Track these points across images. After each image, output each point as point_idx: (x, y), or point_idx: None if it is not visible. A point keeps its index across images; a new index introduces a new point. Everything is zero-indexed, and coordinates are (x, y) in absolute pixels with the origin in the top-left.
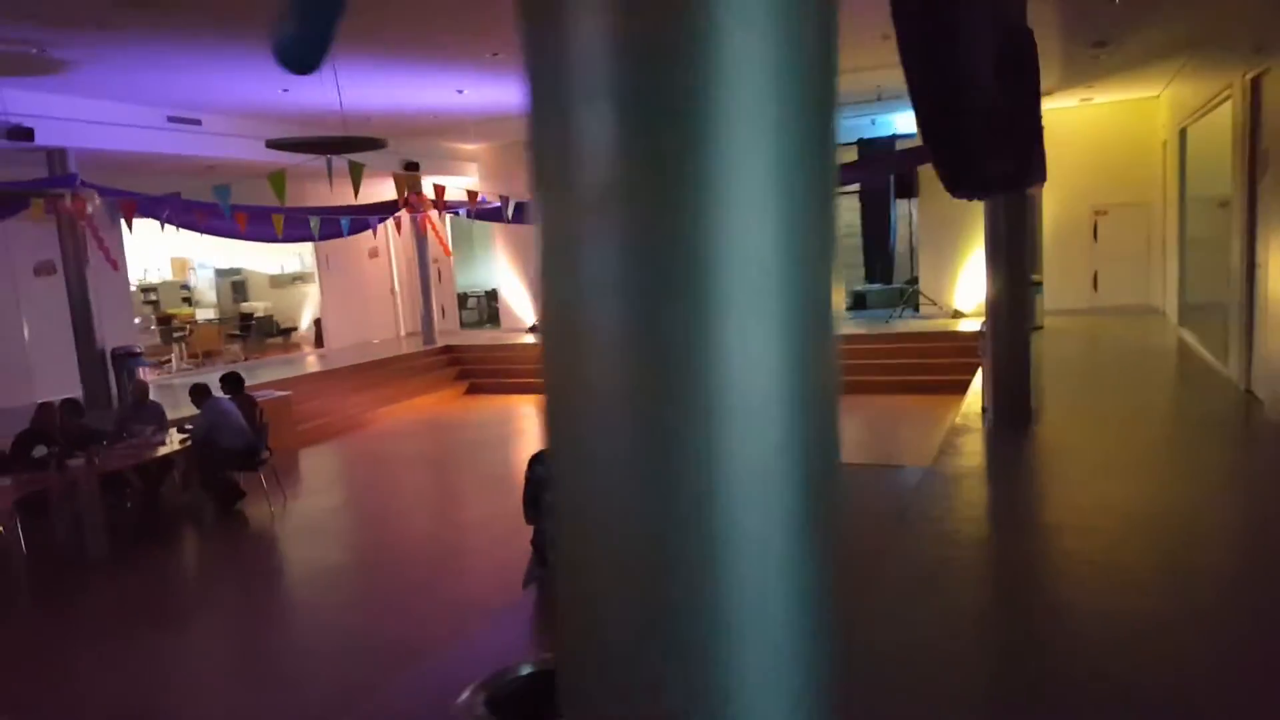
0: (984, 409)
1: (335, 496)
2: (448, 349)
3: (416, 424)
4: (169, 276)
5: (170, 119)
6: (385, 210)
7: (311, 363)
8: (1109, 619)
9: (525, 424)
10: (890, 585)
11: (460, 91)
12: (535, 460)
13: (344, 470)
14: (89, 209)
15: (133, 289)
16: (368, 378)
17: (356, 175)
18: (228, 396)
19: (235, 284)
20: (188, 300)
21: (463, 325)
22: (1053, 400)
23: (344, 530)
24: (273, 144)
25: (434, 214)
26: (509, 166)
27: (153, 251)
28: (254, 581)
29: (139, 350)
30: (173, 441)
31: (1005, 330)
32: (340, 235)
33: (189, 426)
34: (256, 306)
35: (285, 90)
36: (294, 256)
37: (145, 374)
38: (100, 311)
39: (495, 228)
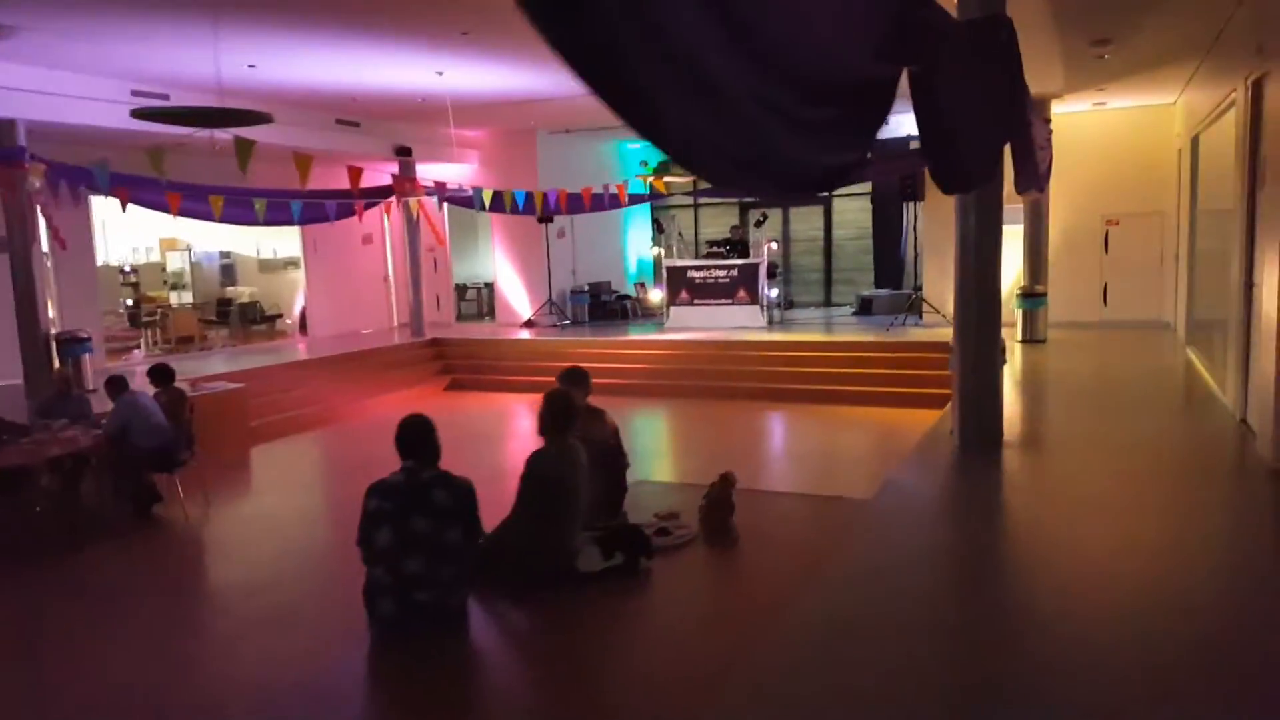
0: (951, 430)
1: (265, 502)
2: (434, 342)
3: (385, 421)
4: (158, 258)
5: (135, 93)
6: (345, 196)
7: (288, 352)
8: (1061, 693)
9: (499, 424)
10: (802, 634)
11: (440, 73)
12: (371, 491)
13: (288, 472)
14: (36, 184)
15: (119, 269)
16: (342, 370)
17: (244, 154)
18: (155, 390)
19: (224, 267)
20: (169, 283)
21: (460, 317)
22: (1035, 422)
23: (256, 541)
24: (138, 114)
25: (421, 201)
26: (509, 155)
27: (142, 231)
28: (128, 603)
29: (85, 335)
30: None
31: (973, 344)
32: (324, 220)
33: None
34: (242, 292)
35: (252, 66)
36: (288, 240)
37: (89, 362)
38: (59, 294)
39: (495, 217)
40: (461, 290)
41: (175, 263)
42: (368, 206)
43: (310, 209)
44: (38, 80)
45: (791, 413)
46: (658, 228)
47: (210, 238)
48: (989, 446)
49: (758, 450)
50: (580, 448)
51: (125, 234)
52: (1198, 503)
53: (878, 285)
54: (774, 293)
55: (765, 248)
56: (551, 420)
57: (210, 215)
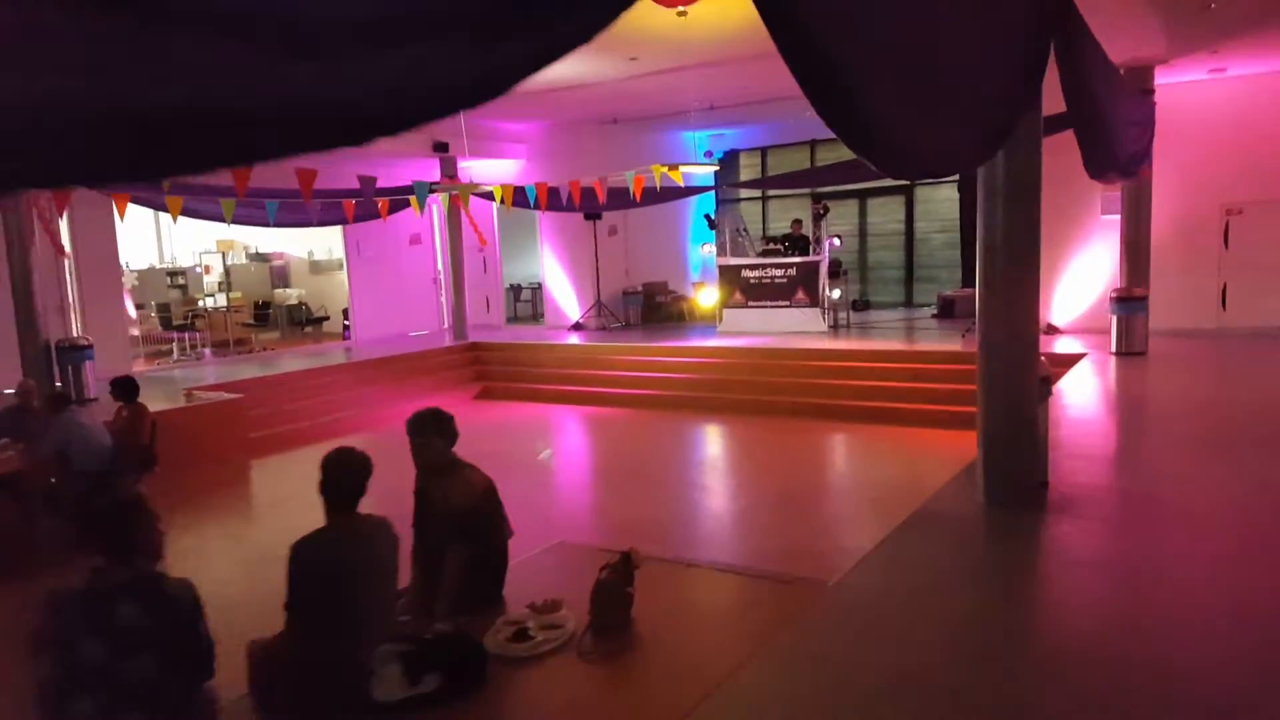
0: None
1: (231, 528)
2: (474, 346)
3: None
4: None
5: None
6: (354, 195)
7: (325, 356)
8: None
9: (514, 442)
10: None
11: None
12: (46, 604)
13: (278, 491)
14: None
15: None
16: (368, 376)
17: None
18: (118, 405)
19: (277, 269)
20: (218, 286)
21: (513, 319)
22: (1105, 467)
23: (210, 578)
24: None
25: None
26: (559, 148)
27: (199, 234)
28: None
29: (86, 342)
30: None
31: (1000, 374)
32: (308, 223)
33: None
34: (290, 294)
35: None
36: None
37: (92, 370)
38: (81, 299)
39: (542, 214)
40: (516, 291)
41: (220, 264)
42: (395, 209)
43: (291, 210)
44: None
45: (830, 435)
46: (710, 224)
47: (264, 239)
48: (1023, 504)
49: (746, 491)
50: (381, 526)
51: (188, 236)
52: None
53: (964, 284)
54: (836, 294)
55: (827, 244)
56: (333, 491)
57: (220, 215)
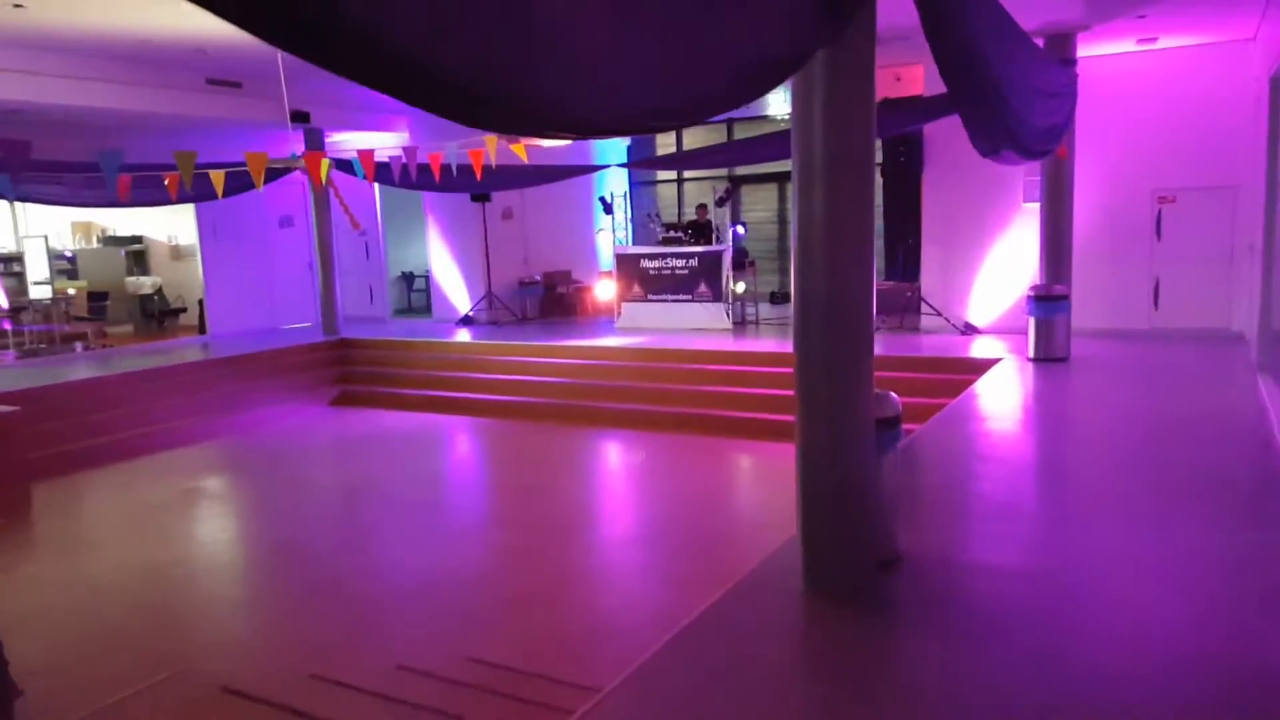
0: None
1: None
2: (342, 343)
3: (233, 447)
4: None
5: None
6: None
7: (167, 355)
8: None
9: (353, 462)
10: None
11: None
12: None
13: (56, 523)
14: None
15: None
16: (205, 378)
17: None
18: None
19: (135, 254)
20: (64, 273)
21: (404, 311)
22: (990, 528)
23: None
24: None
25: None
26: (447, 121)
27: (53, 215)
28: None
29: None
30: None
31: (824, 409)
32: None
33: None
34: (144, 282)
35: (18, 5)
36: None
37: None
38: None
39: (427, 196)
40: (409, 280)
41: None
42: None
43: (88, 187)
44: None
45: (712, 455)
46: (605, 207)
47: (124, 221)
48: (854, 595)
49: (572, 543)
50: None
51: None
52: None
53: (889, 277)
54: (741, 286)
55: (731, 231)
56: None
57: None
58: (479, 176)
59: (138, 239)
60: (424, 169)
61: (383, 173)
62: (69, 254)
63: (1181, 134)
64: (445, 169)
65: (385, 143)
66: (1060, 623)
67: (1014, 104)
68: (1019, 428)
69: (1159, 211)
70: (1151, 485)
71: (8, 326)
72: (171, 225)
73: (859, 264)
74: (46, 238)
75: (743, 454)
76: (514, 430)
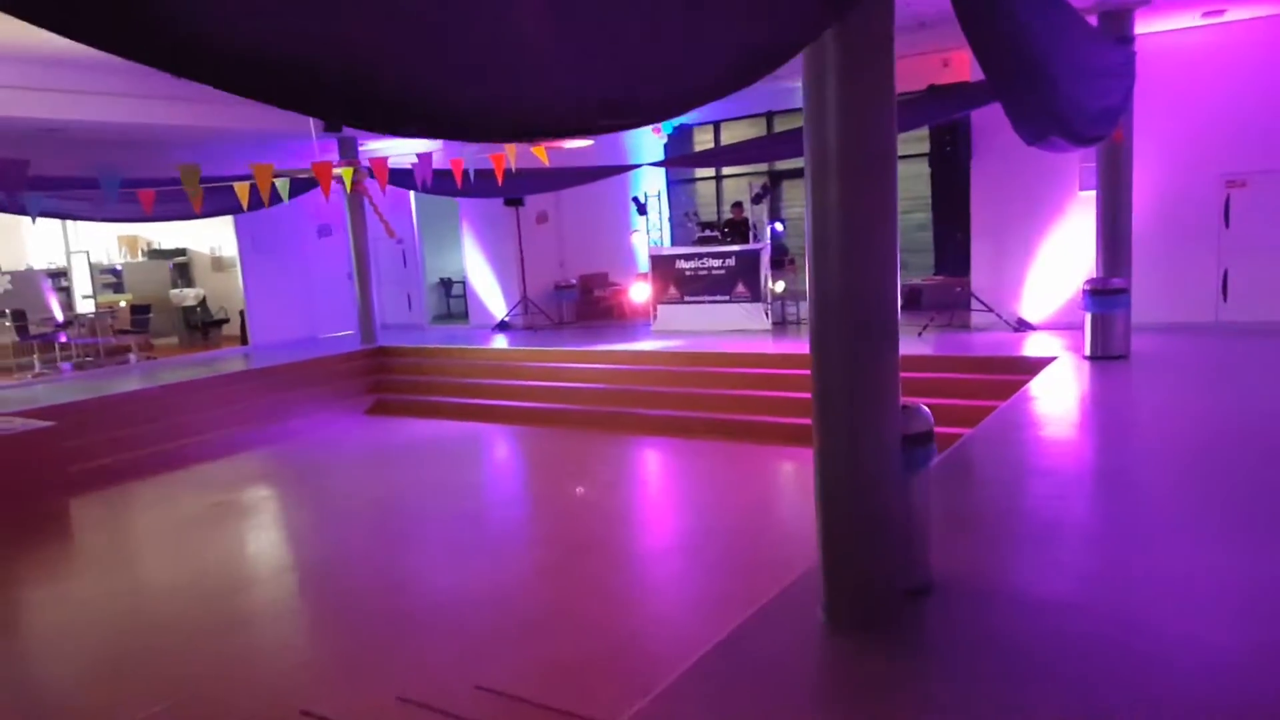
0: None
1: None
2: (380, 351)
3: (267, 460)
4: (116, 258)
5: None
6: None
7: (211, 366)
8: None
9: (365, 488)
10: None
11: None
12: None
13: (98, 537)
14: None
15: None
16: (243, 390)
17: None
18: None
19: (180, 266)
20: (111, 286)
21: (442, 318)
22: (1032, 551)
23: None
24: None
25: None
26: None
27: (100, 230)
28: None
29: None
30: None
31: (844, 429)
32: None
33: None
34: (187, 294)
35: None
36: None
37: None
38: None
39: (463, 201)
40: (447, 286)
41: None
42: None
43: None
44: None
45: (751, 464)
46: (638, 207)
47: (167, 235)
48: (879, 629)
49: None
50: None
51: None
52: None
53: (938, 272)
54: (780, 286)
55: (769, 229)
56: None
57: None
58: (499, 181)
59: (182, 251)
60: (446, 175)
61: (405, 179)
62: (117, 267)
63: (1254, 113)
64: (465, 175)
65: (420, 150)
66: (1113, 665)
67: (1062, 85)
68: (1074, 433)
69: (1228, 197)
70: (1222, 500)
71: (64, 339)
72: (214, 237)
73: (880, 264)
74: (88, 253)
75: (785, 460)
76: (548, 438)
